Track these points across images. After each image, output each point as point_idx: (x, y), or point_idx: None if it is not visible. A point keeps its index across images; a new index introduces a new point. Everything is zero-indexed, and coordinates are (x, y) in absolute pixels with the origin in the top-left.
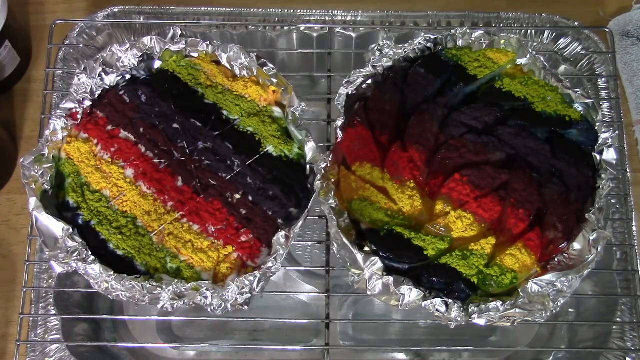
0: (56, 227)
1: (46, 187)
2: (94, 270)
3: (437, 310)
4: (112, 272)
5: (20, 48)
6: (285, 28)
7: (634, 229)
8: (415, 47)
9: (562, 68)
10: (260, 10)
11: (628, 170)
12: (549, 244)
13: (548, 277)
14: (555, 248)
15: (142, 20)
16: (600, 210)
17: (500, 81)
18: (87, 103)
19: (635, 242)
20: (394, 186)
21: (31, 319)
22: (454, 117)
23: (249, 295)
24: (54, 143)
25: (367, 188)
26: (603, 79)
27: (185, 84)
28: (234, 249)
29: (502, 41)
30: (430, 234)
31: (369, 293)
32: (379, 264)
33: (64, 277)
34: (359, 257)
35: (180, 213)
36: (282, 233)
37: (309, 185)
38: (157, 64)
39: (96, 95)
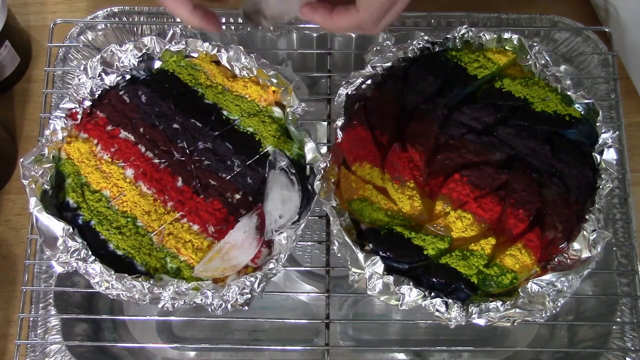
0: (56, 227)
1: (46, 187)
2: (95, 269)
3: (437, 310)
4: (112, 272)
5: (20, 48)
6: (286, 28)
7: (634, 228)
8: (415, 47)
9: (562, 68)
10: None
11: (628, 170)
12: (548, 244)
13: (548, 277)
14: (555, 248)
15: (142, 20)
16: (600, 210)
17: (500, 81)
18: (87, 103)
19: (635, 242)
20: (393, 186)
21: (31, 319)
22: (454, 117)
23: (250, 295)
24: (54, 143)
25: (367, 188)
26: (603, 79)
27: (185, 84)
28: None
29: (502, 41)
30: (430, 234)
31: (369, 292)
32: (380, 263)
33: (64, 277)
34: (360, 256)
35: (180, 213)
36: (284, 234)
37: (309, 186)
38: (157, 64)
39: (96, 95)
